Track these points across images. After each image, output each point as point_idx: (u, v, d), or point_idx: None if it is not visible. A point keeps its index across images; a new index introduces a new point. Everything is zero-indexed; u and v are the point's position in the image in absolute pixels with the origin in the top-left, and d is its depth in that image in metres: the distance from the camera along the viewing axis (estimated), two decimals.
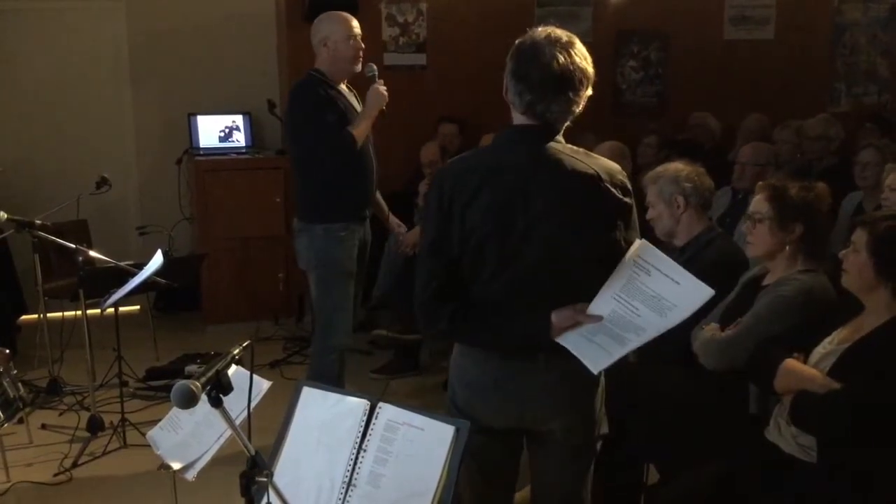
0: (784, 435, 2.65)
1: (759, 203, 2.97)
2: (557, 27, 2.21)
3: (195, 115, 6.27)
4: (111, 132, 6.51)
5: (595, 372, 2.13)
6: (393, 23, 6.17)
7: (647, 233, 3.43)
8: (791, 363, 2.58)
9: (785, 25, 7.02)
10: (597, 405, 2.37)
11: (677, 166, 3.39)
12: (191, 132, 6.27)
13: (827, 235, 3.04)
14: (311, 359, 4.13)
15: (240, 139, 6.37)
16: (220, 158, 6.17)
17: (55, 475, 3.97)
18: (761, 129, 5.94)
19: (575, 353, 2.14)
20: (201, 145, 6.27)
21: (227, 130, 6.35)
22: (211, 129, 6.31)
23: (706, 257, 3.23)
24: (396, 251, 5.35)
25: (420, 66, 6.36)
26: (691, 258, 3.24)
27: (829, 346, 2.61)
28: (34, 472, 4.00)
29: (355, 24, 3.96)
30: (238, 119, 6.36)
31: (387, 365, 5.21)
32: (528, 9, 6.45)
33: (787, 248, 2.92)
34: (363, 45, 3.96)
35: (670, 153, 5.26)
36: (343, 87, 4.00)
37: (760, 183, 3.08)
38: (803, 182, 2.98)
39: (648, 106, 6.93)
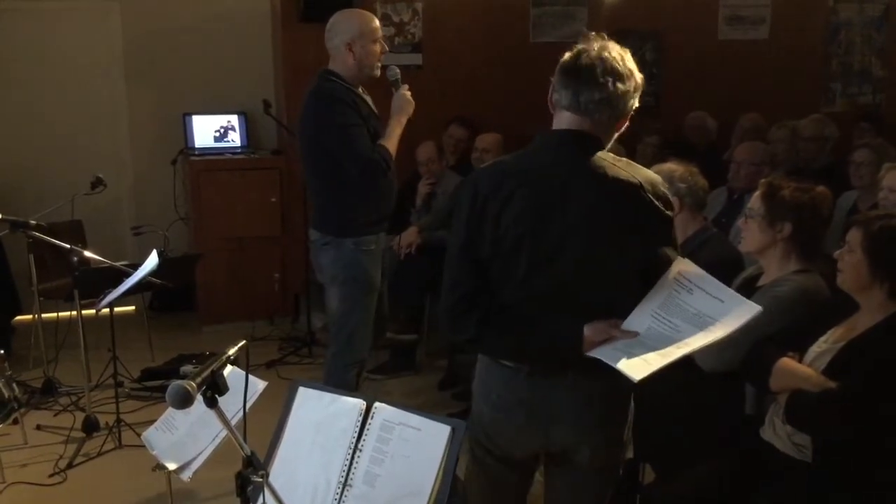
0: (779, 434, 2.65)
1: (755, 199, 2.99)
2: (608, 39, 2.19)
3: (190, 115, 6.26)
4: (106, 132, 6.49)
5: (636, 380, 1.98)
6: (388, 22, 6.16)
7: None
8: (786, 362, 2.58)
9: (780, 25, 7.03)
10: (625, 429, 2.31)
11: (671, 167, 3.38)
12: (186, 132, 6.26)
13: (821, 236, 3.03)
14: (330, 374, 3.94)
15: (235, 139, 6.36)
16: (215, 158, 6.16)
17: (50, 476, 3.96)
18: (756, 128, 5.94)
19: (611, 363, 2.02)
20: (196, 145, 6.26)
21: (222, 130, 6.34)
22: (206, 129, 6.30)
23: (701, 258, 3.21)
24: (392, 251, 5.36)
25: (416, 65, 6.35)
26: (687, 257, 3.24)
27: (824, 345, 2.61)
28: (29, 473, 3.99)
29: (378, 23, 3.79)
30: (233, 119, 6.35)
31: (383, 365, 5.21)
32: (523, 9, 6.44)
33: (780, 246, 2.92)
34: (387, 48, 3.84)
35: (668, 153, 5.27)
36: (360, 89, 3.84)
37: (762, 180, 3.09)
38: (803, 183, 2.97)
39: (644, 106, 6.85)
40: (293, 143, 5.60)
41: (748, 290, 3.01)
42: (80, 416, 4.39)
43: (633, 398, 3.06)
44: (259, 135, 6.56)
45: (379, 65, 3.77)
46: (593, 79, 2.10)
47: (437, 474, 2.03)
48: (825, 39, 7.24)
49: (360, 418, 2.14)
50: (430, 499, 2.02)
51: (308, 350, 5.64)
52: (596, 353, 2.06)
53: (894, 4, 7.35)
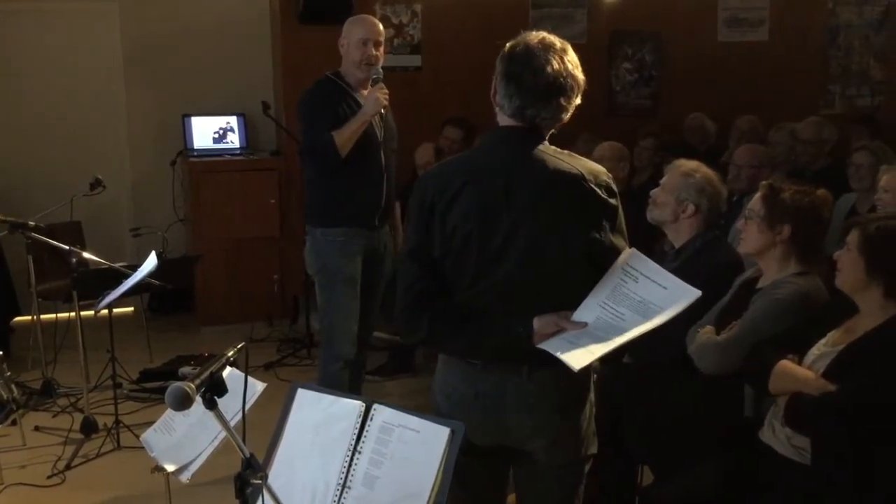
0: (778, 436, 2.65)
1: (755, 201, 2.99)
2: (550, 33, 2.19)
3: (189, 116, 6.26)
4: (105, 133, 6.50)
5: (576, 369, 2.02)
6: (388, 24, 6.16)
7: (638, 223, 3.41)
8: (785, 365, 2.58)
9: (778, 27, 7.04)
10: (583, 423, 2.29)
11: (709, 176, 3.29)
12: (185, 133, 6.26)
13: (820, 239, 3.04)
14: (318, 368, 4.08)
15: (234, 140, 6.36)
16: (214, 160, 6.17)
17: (49, 477, 3.96)
18: (753, 130, 5.95)
19: (554, 353, 2.06)
20: (195, 146, 6.26)
21: (221, 132, 6.34)
22: (205, 131, 6.30)
23: (702, 260, 3.23)
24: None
25: (415, 67, 6.36)
26: (687, 260, 3.24)
27: (824, 347, 2.61)
28: (27, 475, 3.99)
29: (378, 29, 3.88)
30: (232, 120, 6.35)
31: (382, 366, 5.21)
32: (522, 10, 6.45)
33: (779, 248, 2.93)
34: (376, 53, 3.86)
35: (666, 155, 5.27)
36: (366, 92, 3.88)
37: (763, 182, 3.10)
38: (804, 186, 2.98)
39: (642, 107, 6.94)
40: (292, 144, 5.62)
41: (748, 292, 3.01)
42: (79, 417, 4.38)
43: (630, 398, 3.07)
44: (258, 136, 6.56)
45: (362, 67, 3.84)
46: (538, 94, 2.13)
47: (437, 476, 2.03)
48: (824, 42, 7.25)
49: (359, 420, 2.13)
50: (429, 501, 2.01)
51: (307, 351, 5.64)
52: (544, 345, 2.09)
53: (893, 7, 7.35)
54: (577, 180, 2.14)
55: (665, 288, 2.10)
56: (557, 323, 2.11)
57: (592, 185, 2.15)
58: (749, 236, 2.99)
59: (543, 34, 2.17)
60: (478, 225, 2.13)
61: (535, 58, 2.12)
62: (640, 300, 2.09)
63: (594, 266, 2.17)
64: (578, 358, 2.04)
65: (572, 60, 2.16)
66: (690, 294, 2.09)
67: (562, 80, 2.12)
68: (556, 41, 2.16)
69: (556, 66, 2.11)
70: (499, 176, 2.15)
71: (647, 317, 2.07)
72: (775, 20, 7.04)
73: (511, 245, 2.13)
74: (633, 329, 2.07)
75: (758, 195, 2.99)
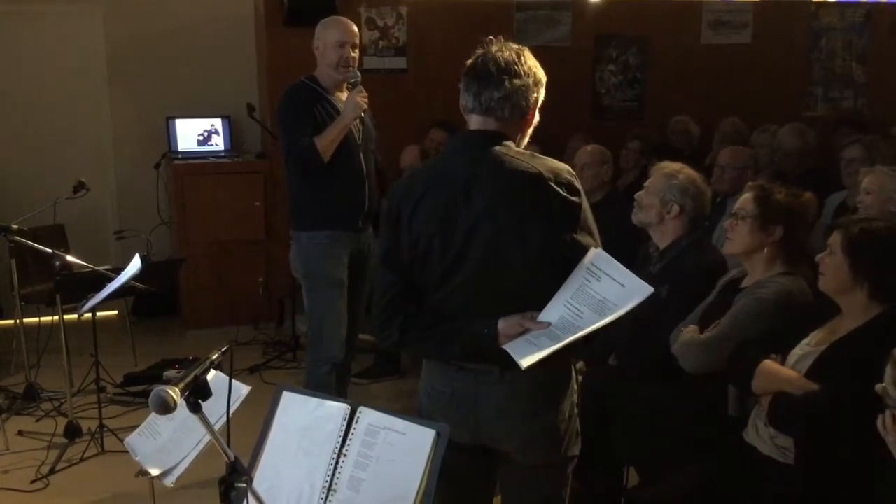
0: (762, 436, 2.67)
1: (745, 201, 2.99)
2: (534, 37, 2.26)
3: (174, 118, 6.24)
4: (89, 136, 6.46)
5: (523, 367, 2.04)
6: (372, 26, 6.16)
7: (624, 224, 3.42)
8: (769, 364, 2.59)
9: (762, 30, 7.08)
10: (560, 424, 2.27)
11: (693, 177, 3.32)
12: (169, 136, 6.24)
13: (805, 241, 3.06)
14: (304, 371, 4.08)
15: (219, 143, 6.34)
16: (198, 162, 6.14)
17: (32, 482, 3.93)
18: (737, 132, 5.98)
19: (511, 353, 2.08)
20: (180, 149, 6.24)
21: (205, 134, 6.32)
22: (189, 133, 6.28)
23: (686, 260, 3.24)
24: None
25: (400, 69, 6.36)
26: (672, 261, 3.25)
27: (807, 347, 2.63)
28: (11, 479, 3.96)
29: (353, 31, 3.90)
30: (217, 123, 6.33)
31: (368, 369, 5.21)
32: (508, 13, 6.45)
33: (766, 250, 2.94)
34: (354, 55, 3.87)
35: (652, 158, 5.28)
36: (342, 94, 3.91)
37: (751, 183, 3.11)
38: (792, 188, 3.00)
39: (627, 110, 6.96)
40: (277, 146, 5.60)
41: (732, 291, 3.03)
42: (63, 421, 4.35)
43: (615, 400, 3.08)
44: (243, 138, 6.55)
45: (340, 69, 3.85)
46: (490, 78, 2.18)
47: (422, 478, 2.02)
48: (807, 44, 7.29)
49: (345, 423, 2.13)
50: (414, 503, 2.01)
51: (292, 354, 5.63)
52: (507, 347, 2.11)
53: (875, 10, 7.41)
54: (536, 179, 2.14)
55: (623, 286, 2.11)
56: (521, 324, 2.13)
57: (552, 184, 2.14)
58: (738, 236, 2.99)
59: (500, 44, 2.24)
60: (438, 229, 2.17)
61: (490, 52, 2.22)
62: (600, 299, 2.10)
63: (560, 265, 2.16)
64: (527, 357, 2.06)
65: (529, 58, 2.22)
66: (644, 290, 2.09)
67: (514, 66, 2.18)
68: (514, 45, 2.24)
69: (507, 55, 2.20)
70: (458, 179, 2.18)
71: (602, 315, 2.08)
72: (759, 23, 7.08)
73: (471, 247, 2.16)
74: (586, 328, 2.08)
75: (748, 195, 2.99)
